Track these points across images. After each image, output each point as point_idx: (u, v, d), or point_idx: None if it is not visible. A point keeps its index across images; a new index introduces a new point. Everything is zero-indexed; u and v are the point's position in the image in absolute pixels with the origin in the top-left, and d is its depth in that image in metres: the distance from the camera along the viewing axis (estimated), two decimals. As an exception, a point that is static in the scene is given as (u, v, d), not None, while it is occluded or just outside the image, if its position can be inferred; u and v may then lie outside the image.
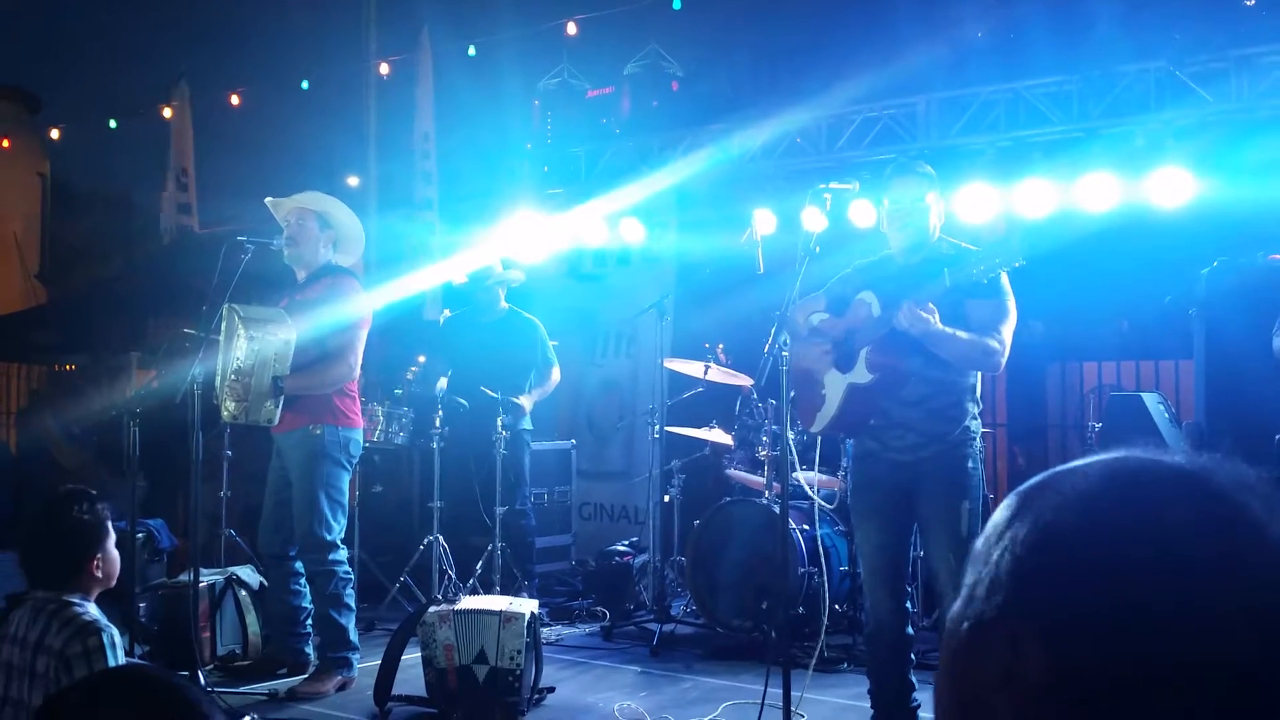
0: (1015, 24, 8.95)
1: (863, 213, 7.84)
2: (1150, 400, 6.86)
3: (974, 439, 4.54)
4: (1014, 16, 8.99)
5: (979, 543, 0.99)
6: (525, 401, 7.40)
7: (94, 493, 3.32)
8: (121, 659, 3.14)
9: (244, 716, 4.70)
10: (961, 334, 4.36)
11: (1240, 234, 6.70)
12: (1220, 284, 5.80)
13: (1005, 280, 4.50)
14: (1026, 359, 9.47)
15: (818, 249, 4.56)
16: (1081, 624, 0.88)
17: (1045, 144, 8.01)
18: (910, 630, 4.61)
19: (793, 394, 4.75)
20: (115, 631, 3.15)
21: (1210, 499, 0.91)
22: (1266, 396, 5.58)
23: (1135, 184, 7.35)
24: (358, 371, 5.82)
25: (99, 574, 3.23)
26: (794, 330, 4.71)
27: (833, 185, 4.72)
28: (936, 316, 4.29)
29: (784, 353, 4.49)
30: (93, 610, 3.18)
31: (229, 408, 5.50)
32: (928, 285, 4.41)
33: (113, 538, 3.29)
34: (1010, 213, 7.66)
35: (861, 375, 4.55)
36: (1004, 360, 4.50)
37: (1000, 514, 0.99)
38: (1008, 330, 4.48)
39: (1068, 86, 7.91)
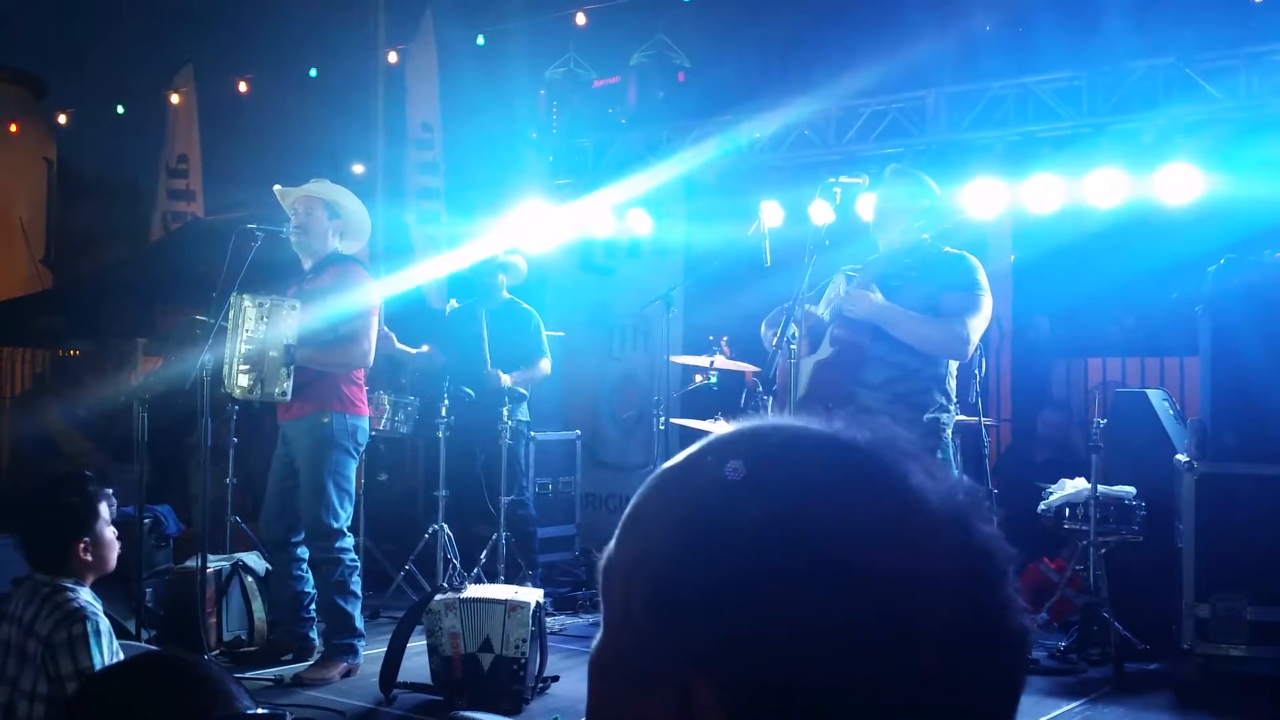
0: (1025, 19, 8.94)
1: (870, 207, 7.83)
2: (1155, 397, 6.86)
3: (943, 430, 4.52)
4: (1023, 11, 8.98)
5: (602, 562, 0.84)
6: (505, 379, 7.34)
7: (91, 475, 3.30)
8: (106, 647, 3.10)
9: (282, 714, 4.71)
10: (913, 314, 4.41)
11: (1248, 231, 6.69)
12: (1227, 281, 5.78)
13: (982, 277, 4.56)
14: (1032, 355, 9.48)
15: (827, 242, 4.57)
16: (768, 664, 0.72)
17: (1053, 139, 8.01)
18: None
19: (776, 387, 4.79)
20: (102, 620, 3.11)
21: (897, 495, 0.77)
22: (1272, 395, 5.58)
23: (1143, 180, 7.35)
24: (372, 357, 5.84)
25: (88, 557, 3.20)
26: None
27: (842, 179, 4.74)
28: (878, 294, 4.37)
29: (792, 346, 4.49)
30: (84, 596, 3.16)
31: (242, 384, 5.49)
32: (891, 262, 4.52)
33: (104, 521, 3.24)
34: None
35: (825, 352, 4.60)
36: (970, 349, 4.52)
37: (627, 524, 0.83)
38: (976, 321, 4.49)
39: (1076, 82, 7.90)
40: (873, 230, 4.82)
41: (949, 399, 4.61)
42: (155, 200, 12.81)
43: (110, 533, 3.29)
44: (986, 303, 4.56)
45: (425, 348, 7.54)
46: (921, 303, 4.45)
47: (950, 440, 4.63)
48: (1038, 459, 8.11)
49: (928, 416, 4.49)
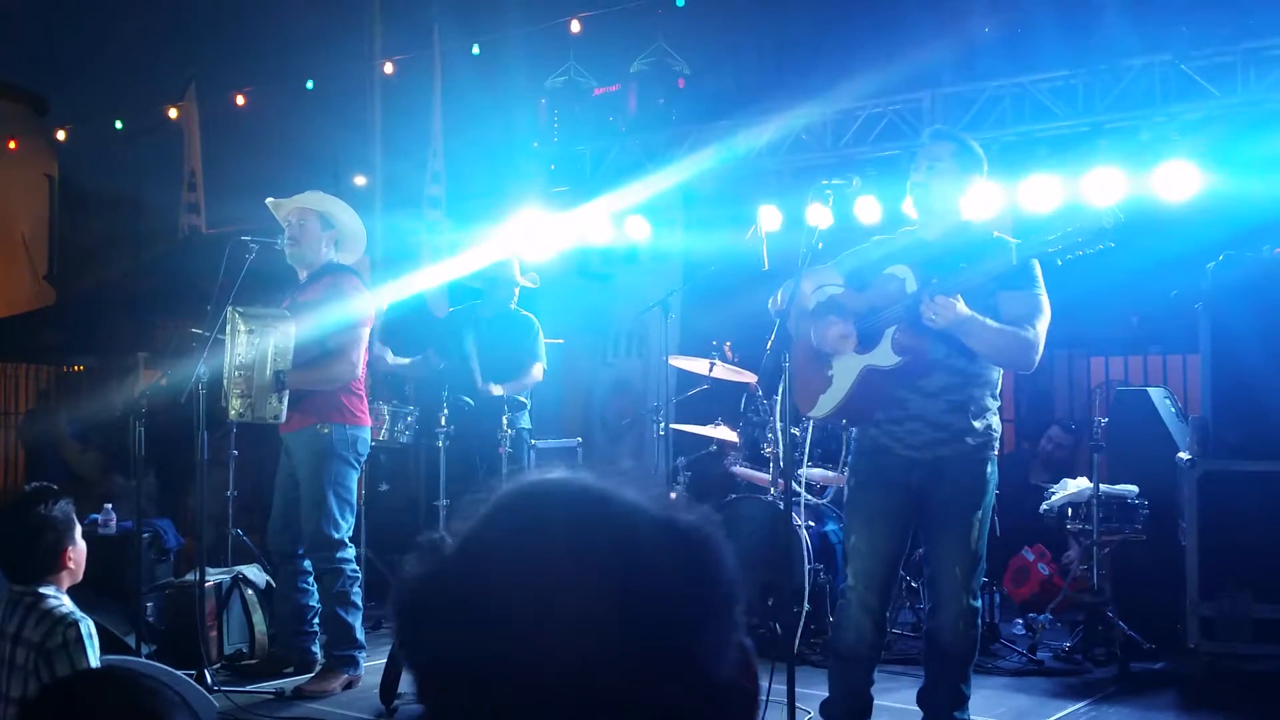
0: (1022, 19, 8.92)
1: (867, 209, 7.83)
2: (1156, 395, 6.84)
3: (995, 439, 4.27)
4: (1020, 11, 8.96)
5: None
6: (496, 390, 7.29)
7: (55, 488, 3.45)
8: (97, 649, 3.24)
9: None
10: (993, 323, 4.04)
11: (1247, 228, 6.68)
12: (1226, 278, 5.77)
13: (1039, 271, 4.20)
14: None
15: (820, 245, 4.40)
16: (437, 672, 0.86)
17: (1051, 139, 7.98)
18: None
19: (788, 366, 4.34)
20: (91, 623, 3.26)
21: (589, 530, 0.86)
22: (1272, 391, 5.56)
23: (1141, 178, 7.31)
24: (361, 369, 5.82)
25: (71, 565, 3.36)
26: (800, 303, 4.38)
27: (834, 182, 4.55)
28: (962, 303, 3.96)
29: (786, 353, 4.37)
30: (67, 603, 3.30)
31: (235, 405, 5.50)
32: (986, 260, 4.05)
33: (78, 530, 3.42)
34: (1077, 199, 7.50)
35: (885, 358, 4.16)
36: (1038, 357, 4.17)
37: None
38: (1042, 325, 4.16)
39: (1073, 81, 7.87)
40: (916, 207, 4.43)
41: (997, 400, 4.32)
42: (176, 215, 12.85)
43: (83, 541, 3.45)
44: (1047, 302, 4.20)
45: (429, 351, 7.53)
46: (978, 300, 4.03)
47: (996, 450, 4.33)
48: (1032, 480, 7.85)
49: (983, 425, 4.22)
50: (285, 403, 5.51)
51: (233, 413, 5.53)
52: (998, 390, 4.35)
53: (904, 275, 4.17)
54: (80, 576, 3.43)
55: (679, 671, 0.82)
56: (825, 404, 4.36)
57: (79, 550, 3.38)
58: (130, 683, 1.51)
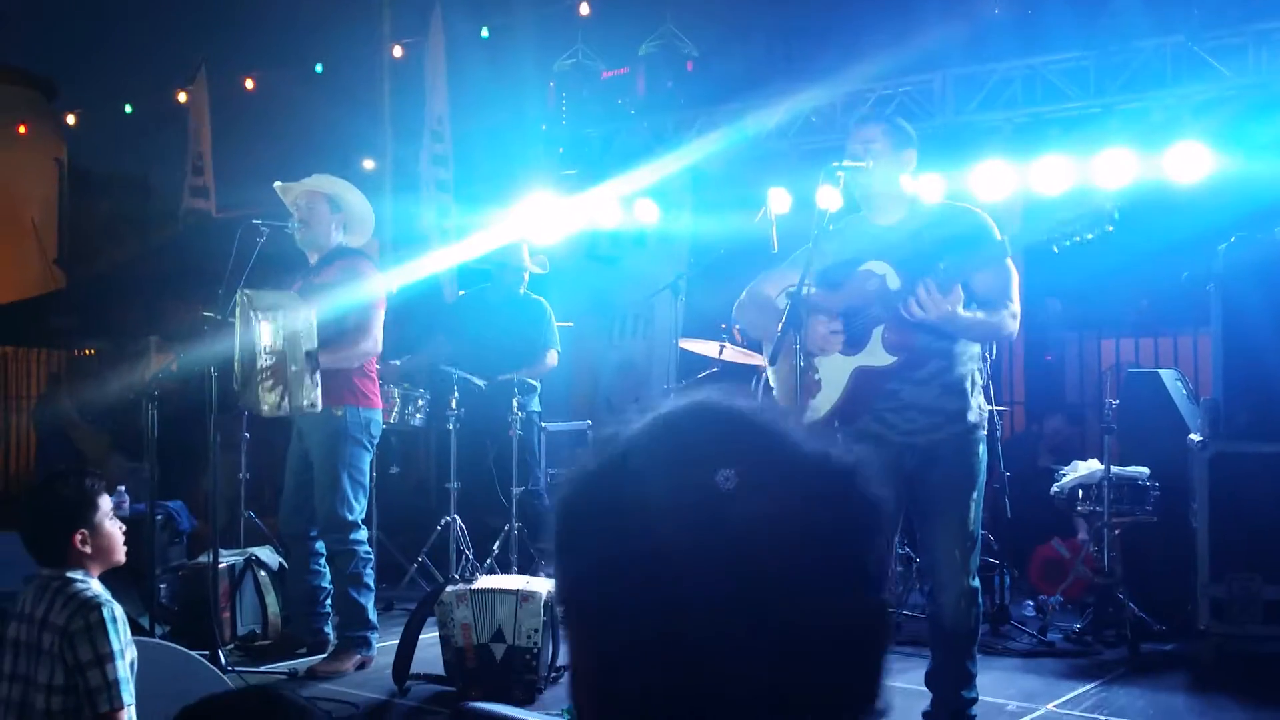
0: (1033, -1, 8.90)
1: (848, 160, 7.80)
2: (1168, 377, 6.83)
3: (984, 418, 4.27)
4: (1031, -10, 8.94)
5: None
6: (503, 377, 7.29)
7: (91, 471, 3.33)
8: (123, 633, 3.16)
9: None
10: (980, 315, 4.05)
11: (1258, 208, 6.65)
12: (1237, 259, 5.75)
13: (999, 234, 4.16)
14: (1044, 337, 9.45)
15: (831, 227, 4.36)
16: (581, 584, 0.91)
17: (1062, 120, 7.97)
18: None
19: (767, 375, 4.33)
20: (116, 606, 3.17)
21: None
22: (1285, 372, 5.55)
23: (1153, 159, 7.30)
24: (380, 347, 5.83)
25: (86, 549, 3.22)
26: (763, 303, 4.36)
27: (846, 163, 4.44)
28: (960, 299, 3.95)
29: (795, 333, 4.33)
30: (95, 586, 3.21)
31: (269, 400, 5.37)
32: (970, 251, 4.03)
33: (103, 514, 3.25)
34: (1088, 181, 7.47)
35: (878, 357, 4.13)
36: (1018, 325, 4.20)
37: None
38: (1016, 293, 4.16)
39: (1085, 62, 7.86)
40: (859, 194, 4.35)
41: (984, 374, 4.32)
42: (180, 198, 12.87)
43: (112, 525, 3.29)
44: (1014, 267, 4.18)
45: (439, 336, 7.54)
46: (942, 278, 3.97)
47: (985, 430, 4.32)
48: (1040, 462, 7.90)
49: (975, 405, 4.19)
50: (319, 387, 5.46)
51: (267, 409, 5.43)
52: (980, 363, 4.34)
53: (883, 272, 4.13)
54: (114, 561, 3.30)
55: (845, 591, 0.87)
56: (818, 409, 4.28)
57: (102, 535, 3.24)
58: (277, 701, 1.51)
